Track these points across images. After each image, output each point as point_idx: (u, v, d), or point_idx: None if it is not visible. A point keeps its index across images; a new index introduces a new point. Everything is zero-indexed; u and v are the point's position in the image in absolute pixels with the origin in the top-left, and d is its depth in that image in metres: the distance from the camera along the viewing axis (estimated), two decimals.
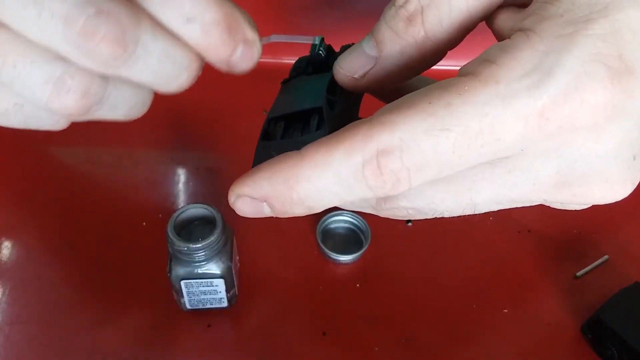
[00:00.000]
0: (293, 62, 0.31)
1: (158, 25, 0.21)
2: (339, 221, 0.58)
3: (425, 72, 0.27)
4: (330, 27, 0.71)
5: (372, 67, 0.25)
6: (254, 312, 0.52)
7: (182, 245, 0.45)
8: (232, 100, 0.70)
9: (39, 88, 0.21)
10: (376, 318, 0.52)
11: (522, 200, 0.24)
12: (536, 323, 0.52)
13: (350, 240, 0.57)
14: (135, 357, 0.48)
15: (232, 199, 0.24)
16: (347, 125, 0.22)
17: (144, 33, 0.20)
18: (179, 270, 0.47)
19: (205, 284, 0.47)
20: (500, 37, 0.24)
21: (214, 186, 0.61)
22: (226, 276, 0.47)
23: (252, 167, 0.24)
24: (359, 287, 0.54)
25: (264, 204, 0.23)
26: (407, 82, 0.27)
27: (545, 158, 0.21)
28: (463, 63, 0.22)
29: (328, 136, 0.22)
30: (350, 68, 0.26)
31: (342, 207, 0.26)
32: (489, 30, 0.26)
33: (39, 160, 0.63)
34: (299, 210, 0.23)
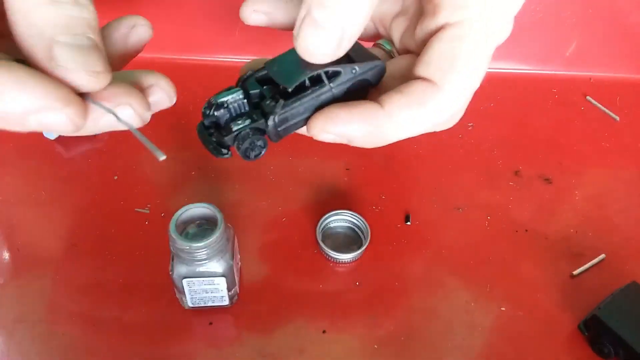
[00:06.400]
0: None
1: None
2: (339, 220, 0.58)
3: None
4: None
5: None
6: (255, 310, 0.52)
7: (184, 244, 0.45)
8: None
9: None
10: (375, 316, 0.52)
11: None
12: (533, 321, 0.52)
13: (350, 239, 0.58)
14: (137, 355, 0.49)
15: (315, 131, 0.30)
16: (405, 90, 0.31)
17: None
18: (181, 269, 0.47)
19: (207, 282, 0.48)
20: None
21: (216, 186, 0.61)
22: (227, 275, 0.48)
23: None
24: (358, 286, 0.54)
25: (343, 138, 0.30)
26: None
27: None
28: None
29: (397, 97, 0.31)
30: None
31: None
32: None
33: (41, 160, 0.64)
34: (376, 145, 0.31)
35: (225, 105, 0.29)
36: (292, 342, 0.50)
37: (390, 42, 0.36)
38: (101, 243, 0.56)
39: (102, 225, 0.58)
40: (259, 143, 0.30)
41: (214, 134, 0.30)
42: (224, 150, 0.30)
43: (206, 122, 0.30)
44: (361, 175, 0.64)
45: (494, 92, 0.73)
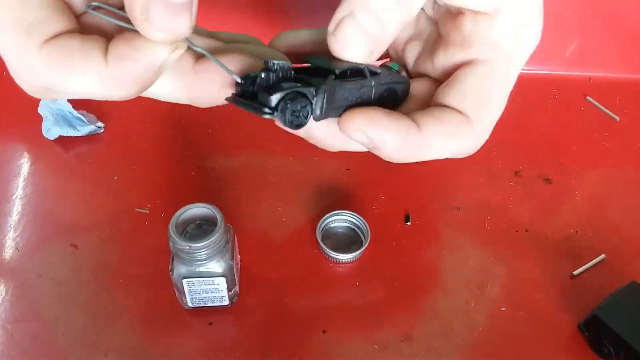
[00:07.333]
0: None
1: None
2: (339, 220, 0.58)
3: None
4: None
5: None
6: (254, 310, 0.52)
7: (184, 244, 0.45)
8: None
9: None
10: (375, 316, 0.52)
11: None
12: (533, 321, 0.52)
13: (349, 239, 0.58)
14: (137, 355, 0.49)
15: (351, 127, 0.29)
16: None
17: None
18: (181, 269, 0.47)
19: (207, 282, 0.48)
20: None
21: (216, 186, 0.61)
22: (227, 275, 0.48)
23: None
24: (358, 286, 0.54)
25: (372, 144, 0.29)
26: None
27: None
28: None
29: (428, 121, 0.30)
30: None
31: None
32: None
33: (41, 160, 0.64)
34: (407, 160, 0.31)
35: (274, 68, 0.28)
36: (292, 342, 0.50)
37: (401, 65, 0.36)
38: (101, 243, 0.56)
39: (102, 225, 0.58)
40: (303, 112, 0.29)
41: (257, 95, 0.28)
42: (267, 109, 0.28)
43: (242, 89, 0.29)
44: (361, 175, 0.64)
45: None
